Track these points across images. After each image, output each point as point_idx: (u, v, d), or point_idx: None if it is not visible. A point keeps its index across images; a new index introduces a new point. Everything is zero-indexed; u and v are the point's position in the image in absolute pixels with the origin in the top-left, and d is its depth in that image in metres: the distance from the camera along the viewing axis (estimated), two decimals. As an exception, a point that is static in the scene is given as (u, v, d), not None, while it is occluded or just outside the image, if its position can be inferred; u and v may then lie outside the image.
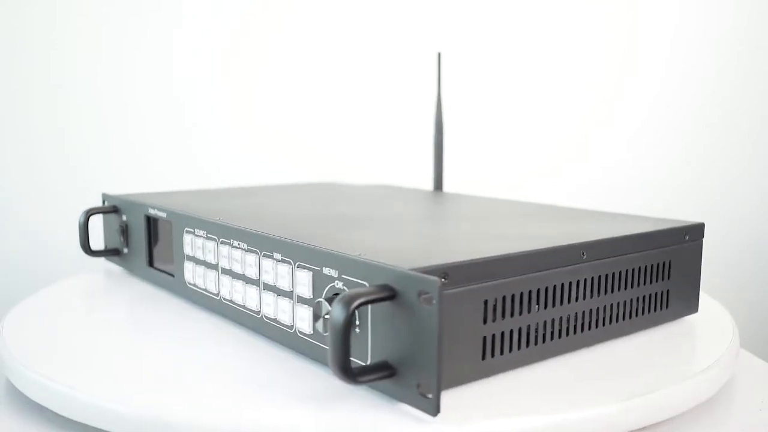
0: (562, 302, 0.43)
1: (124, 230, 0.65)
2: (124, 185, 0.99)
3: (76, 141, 0.99)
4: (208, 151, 1.02)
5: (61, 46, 0.97)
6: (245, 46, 1.01)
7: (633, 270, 0.47)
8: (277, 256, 0.44)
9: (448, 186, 0.86)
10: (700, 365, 0.43)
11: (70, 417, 0.39)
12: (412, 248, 0.42)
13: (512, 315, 0.40)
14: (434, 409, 0.34)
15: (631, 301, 0.48)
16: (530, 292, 0.41)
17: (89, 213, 0.66)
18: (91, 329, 0.50)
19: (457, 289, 0.37)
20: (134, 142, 1.00)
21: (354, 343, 0.38)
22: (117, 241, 0.67)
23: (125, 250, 0.66)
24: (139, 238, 0.62)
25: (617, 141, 1.08)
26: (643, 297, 0.48)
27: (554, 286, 0.42)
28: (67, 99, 0.98)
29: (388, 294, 0.34)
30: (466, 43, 1.05)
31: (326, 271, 0.40)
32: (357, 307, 0.33)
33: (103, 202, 0.68)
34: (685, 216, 1.09)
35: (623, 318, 0.47)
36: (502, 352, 0.40)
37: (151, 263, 0.62)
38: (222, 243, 0.50)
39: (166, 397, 0.38)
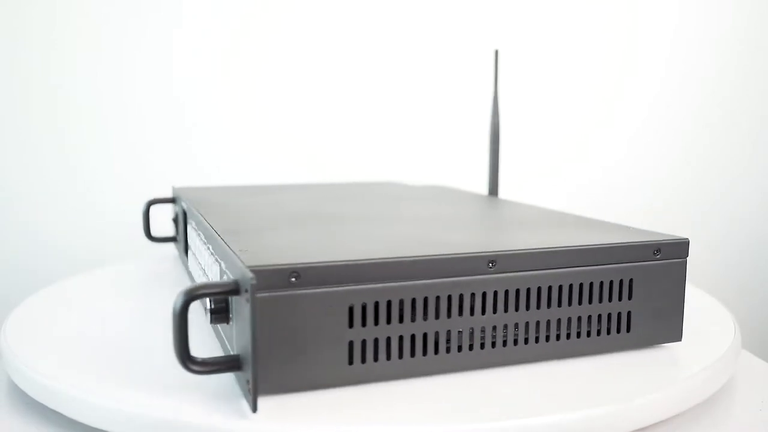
0: (461, 314, 0.40)
1: (176, 220, 0.71)
2: (124, 185, 0.99)
3: (76, 141, 0.99)
4: (208, 151, 1.02)
5: (61, 46, 0.97)
6: (246, 46, 1.01)
7: (571, 286, 0.42)
8: (210, 248, 0.47)
9: (510, 191, 0.85)
10: (700, 365, 0.43)
11: (72, 417, 0.39)
12: (297, 247, 0.41)
13: (389, 322, 0.38)
14: (252, 406, 0.34)
15: (570, 320, 0.43)
16: (414, 300, 0.38)
17: (150, 203, 0.71)
18: (93, 329, 0.50)
19: (311, 290, 0.36)
20: (134, 142, 1.00)
21: (229, 333, 0.39)
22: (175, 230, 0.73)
23: (178, 238, 0.71)
24: (182, 227, 0.67)
25: (617, 141, 1.08)
26: (589, 317, 0.43)
27: (449, 297, 0.39)
28: (67, 99, 0.98)
29: (229, 289, 0.35)
30: (467, 41, 1.05)
31: (223, 265, 0.42)
32: (193, 299, 0.34)
33: (173, 194, 0.74)
34: (686, 216, 1.09)
35: (559, 338, 0.42)
36: (376, 360, 0.38)
37: (186, 250, 0.65)
38: (198, 235, 0.54)
39: (168, 396, 0.38)
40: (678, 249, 0.45)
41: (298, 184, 0.81)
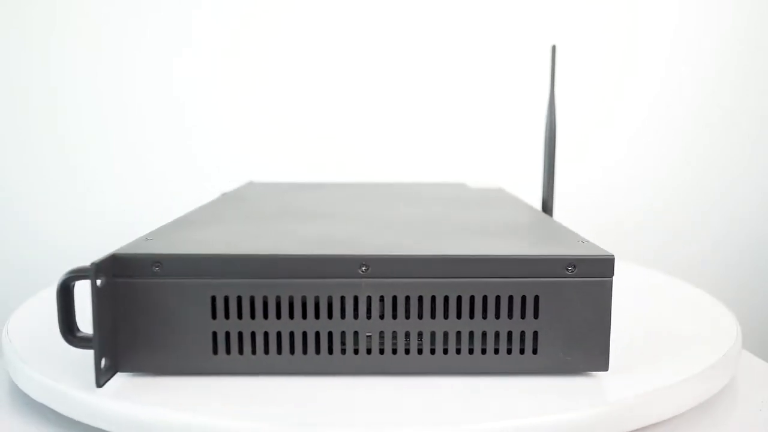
0: (330, 316, 0.39)
1: None
2: (124, 185, 1.00)
3: (76, 141, 0.99)
4: (209, 151, 1.02)
5: (61, 46, 0.97)
6: (250, 45, 1.01)
7: (460, 298, 0.39)
8: None
9: (512, 190, 0.83)
10: (701, 365, 0.43)
11: (73, 417, 0.39)
12: (185, 239, 0.44)
13: (253, 317, 0.39)
14: (95, 381, 0.37)
15: (459, 334, 0.40)
16: (278, 297, 0.38)
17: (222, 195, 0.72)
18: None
19: (173, 280, 0.38)
20: (134, 142, 1.00)
21: None
22: None
23: None
24: None
25: (617, 141, 1.08)
26: (484, 333, 0.39)
27: (316, 297, 0.39)
28: (67, 99, 0.98)
29: (90, 273, 0.37)
30: (468, 37, 1.05)
31: None
32: (72, 279, 0.38)
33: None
34: (686, 216, 1.09)
35: (447, 352, 0.40)
36: (241, 352, 0.39)
37: None
38: None
39: (168, 397, 0.38)
40: (599, 267, 0.39)
41: (365, 182, 0.81)
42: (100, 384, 0.37)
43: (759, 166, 1.10)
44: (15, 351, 0.45)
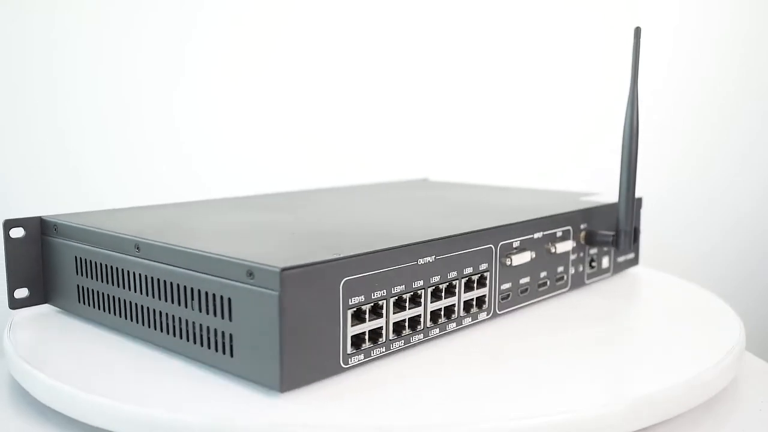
0: (123, 286, 0.47)
1: None
2: (124, 185, 0.99)
3: (76, 141, 0.99)
4: (209, 152, 1.02)
5: (61, 46, 0.97)
6: (252, 45, 1.01)
7: (185, 287, 0.42)
8: None
9: None
10: (703, 365, 0.43)
11: (75, 417, 0.39)
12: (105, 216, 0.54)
13: (92, 277, 0.49)
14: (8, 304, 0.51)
15: (187, 323, 0.42)
16: (101, 264, 0.49)
17: None
18: (96, 328, 0.50)
19: (60, 240, 0.52)
20: (134, 142, 1.00)
21: None
22: None
23: None
24: None
25: (617, 141, 1.08)
26: (200, 326, 0.41)
27: (116, 269, 0.48)
28: (67, 99, 0.98)
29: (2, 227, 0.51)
30: (478, 37, 1.05)
31: None
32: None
33: None
34: (686, 216, 1.09)
35: (180, 336, 0.43)
36: (92, 305, 0.50)
37: None
38: None
39: (170, 397, 0.38)
40: (268, 278, 0.37)
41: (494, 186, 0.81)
42: (11, 307, 0.51)
43: (759, 166, 1.10)
44: (16, 350, 0.45)
